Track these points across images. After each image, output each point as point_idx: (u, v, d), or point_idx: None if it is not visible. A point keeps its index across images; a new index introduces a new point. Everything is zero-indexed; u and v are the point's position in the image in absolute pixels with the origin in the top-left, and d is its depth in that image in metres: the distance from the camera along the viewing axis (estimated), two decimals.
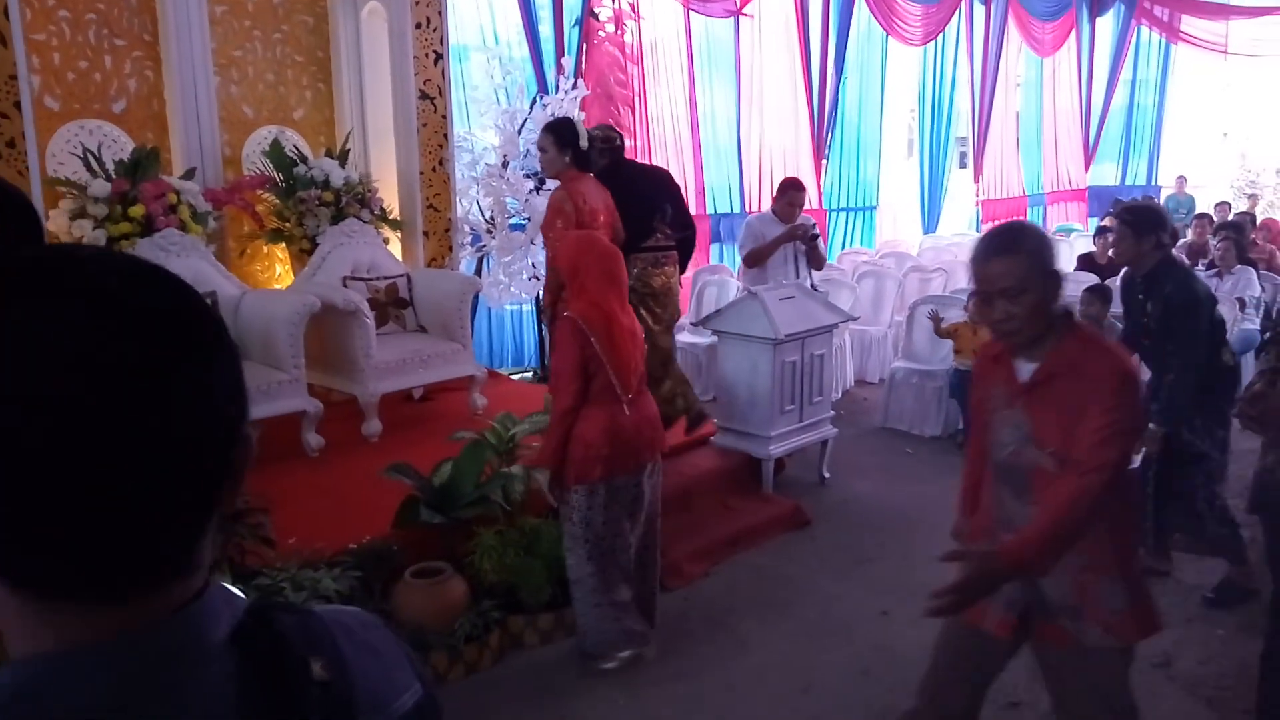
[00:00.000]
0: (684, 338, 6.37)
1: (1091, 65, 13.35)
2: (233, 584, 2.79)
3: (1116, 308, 4.78)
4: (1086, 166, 13.71)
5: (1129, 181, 14.02)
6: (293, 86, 5.54)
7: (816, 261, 5.77)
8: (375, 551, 3.35)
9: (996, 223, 2.14)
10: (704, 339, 6.37)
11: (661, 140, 8.20)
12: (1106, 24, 13.48)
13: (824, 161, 9.48)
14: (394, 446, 4.43)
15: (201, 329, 0.60)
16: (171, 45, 4.90)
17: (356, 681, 0.67)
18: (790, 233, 5.55)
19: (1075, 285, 7.03)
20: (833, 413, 5.31)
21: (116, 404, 0.54)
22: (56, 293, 0.56)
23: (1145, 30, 13.64)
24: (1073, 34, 12.78)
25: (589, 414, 3.09)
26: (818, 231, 5.82)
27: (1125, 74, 13.71)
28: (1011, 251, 1.97)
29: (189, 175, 4.80)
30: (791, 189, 5.66)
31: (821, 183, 9.52)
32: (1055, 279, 2.00)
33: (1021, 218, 12.40)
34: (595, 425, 3.09)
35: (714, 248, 8.52)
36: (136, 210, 4.36)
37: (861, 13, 9.61)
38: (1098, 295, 5.43)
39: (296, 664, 0.63)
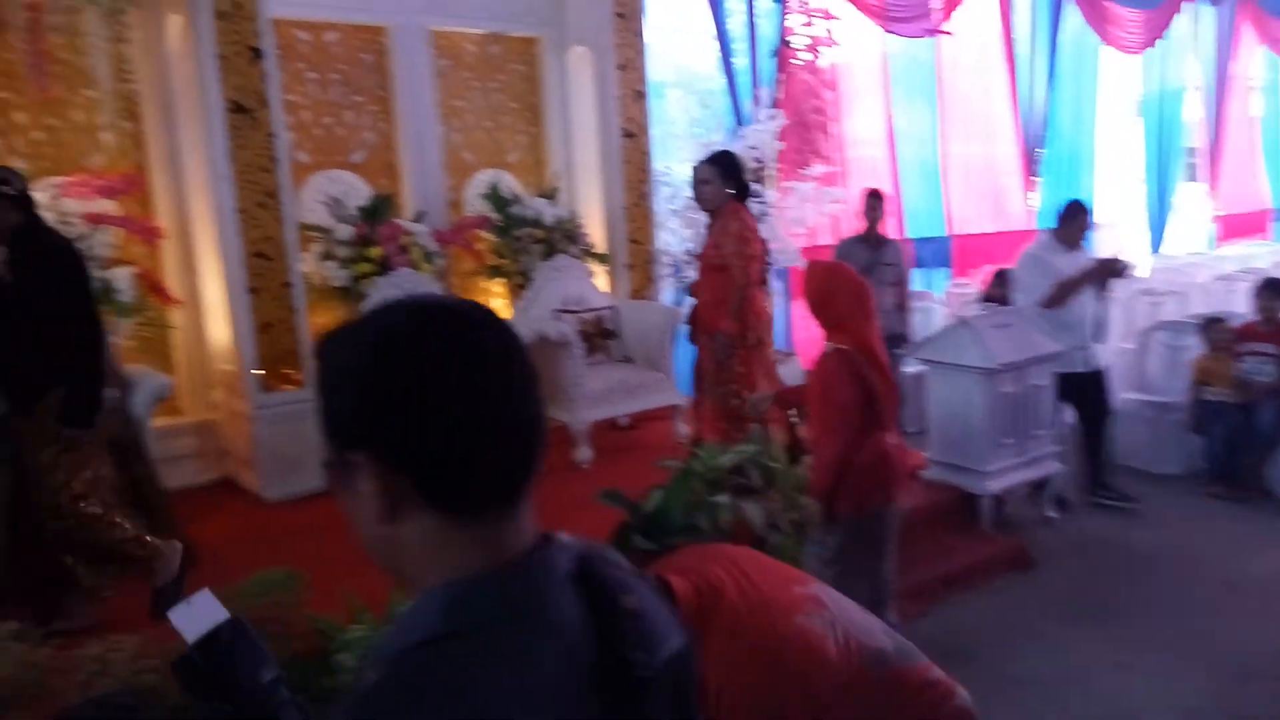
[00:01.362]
0: None
1: None
2: None
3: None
4: None
5: None
6: (508, 132, 5.88)
7: (1105, 286, 5.13)
8: None
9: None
10: (909, 368, 6.16)
11: (858, 163, 8.06)
12: None
13: (1035, 179, 9.00)
14: (604, 473, 4.55)
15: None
16: (402, 99, 5.33)
17: (651, 618, 0.87)
18: (1105, 267, 4.94)
19: None
20: (1056, 447, 4.99)
21: (519, 371, 0.84)
22: (473, 323, 0.85)
23: None
24: None
25: (860, 443, 3.05)
26: (1131, 263, 5.28)
27: None
28: None
29: (419, 218, 5.19)
30: (1080, 213, 5.07)
31: (1033, 202, 9.03)
32: None
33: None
34: (868, 454, 3.05)
35: (916, 273, 8.24)
36: (375, 252, 4.75)
37: (1073, 21, 9.08)
38: None
39: (617, 596, 0.84)
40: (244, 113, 4.27)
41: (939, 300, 7.42)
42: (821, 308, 3.12)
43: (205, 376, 4.85)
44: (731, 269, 4.20)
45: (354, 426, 0.80)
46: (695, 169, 4.37)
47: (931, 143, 8.53)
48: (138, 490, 3.63)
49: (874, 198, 5.71)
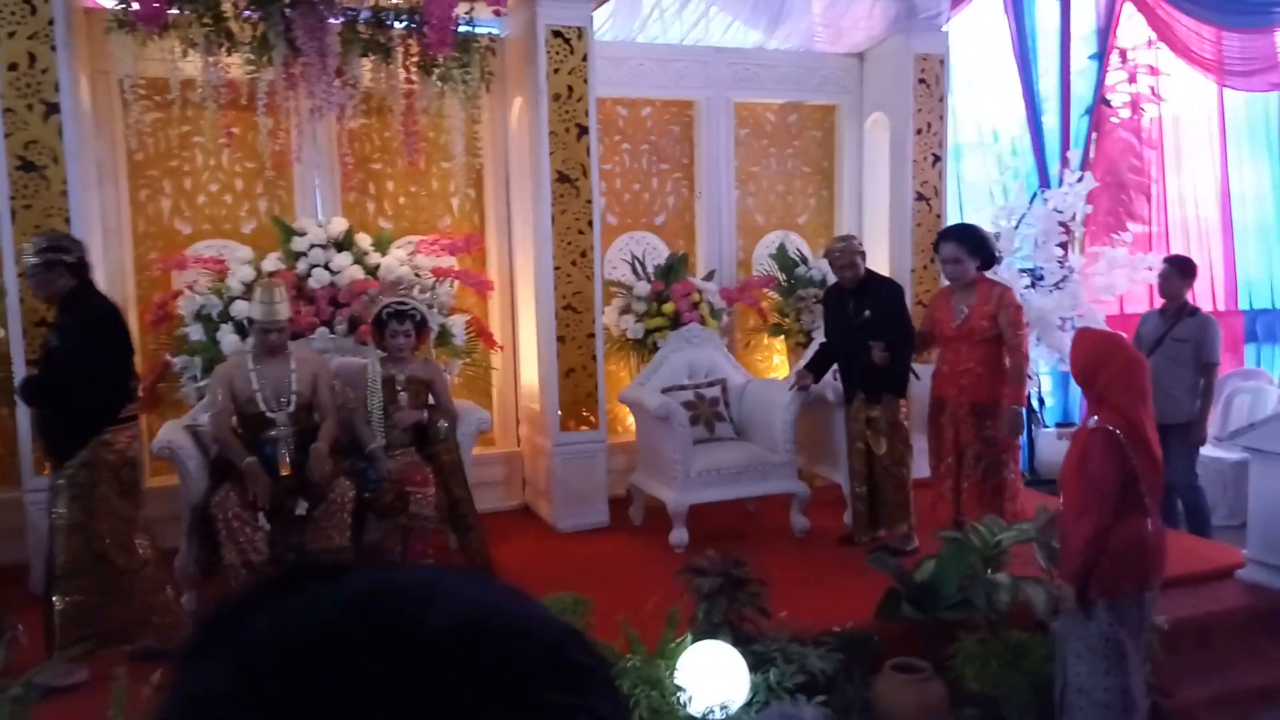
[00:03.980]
0: (1205, 449, 5.60)
1: None
2: (734, 645, 3.13)
3: None
4: None
5: None
6: (799, 195, 6.09)
7: None
8: (857, 637, 3.47)
9: None
10: (1231, 454, 5.55)
11: (1182, 226, 7.41)
12: None
13: None
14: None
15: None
16: (703, 165, 5.73)
17: None
18: None
19: None
20: None
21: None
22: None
23: None
24: None
25: (1117, 527, 2.94)
26: None
27: None
28: None
29: (709, 277, 5.52)
30: None
31: None
32: None
33: None
34: (1124, 538, 2.93)
35: (1248, 349, 7.39)
36: (668, 307, 5.12)
37: None
38: None
39: None
40: (567, 182, 4.82)
41: (1273, 382, 6.59)
42: (1088, 380, 3.03)
43: (515, 413, 5.45)
44: (1007, 340, 4.24)
45: None
46: (940, 247, 4.43)
47: (1274, 204, 7.65)
48: (455, 510, 4.18)
49: (1170, 265, 5.31)
